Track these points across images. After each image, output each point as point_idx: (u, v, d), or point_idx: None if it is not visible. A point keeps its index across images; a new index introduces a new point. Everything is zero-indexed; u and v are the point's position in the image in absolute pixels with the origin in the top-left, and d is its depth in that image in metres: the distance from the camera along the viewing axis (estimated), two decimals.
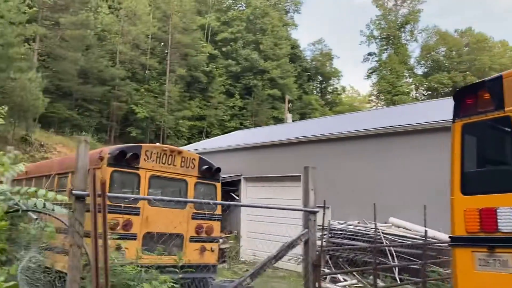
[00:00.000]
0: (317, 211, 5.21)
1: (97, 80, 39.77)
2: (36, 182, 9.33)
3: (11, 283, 4.52)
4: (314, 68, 62.21)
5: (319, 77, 64.49)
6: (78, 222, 3.62)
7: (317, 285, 5.29)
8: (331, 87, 65.73)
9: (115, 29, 43.24)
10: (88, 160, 3.79)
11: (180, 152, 8.45)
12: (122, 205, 7.01)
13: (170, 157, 8.19)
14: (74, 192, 3.60)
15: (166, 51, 46.85)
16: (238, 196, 16.79)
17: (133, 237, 7.27)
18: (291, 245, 5.07)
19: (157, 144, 11.89)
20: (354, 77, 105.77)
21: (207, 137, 40.59)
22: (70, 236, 3.63)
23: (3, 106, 27.39)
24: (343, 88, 66.73)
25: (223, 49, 50.49)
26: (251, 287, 4.99)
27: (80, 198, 3.63)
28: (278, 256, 4.92)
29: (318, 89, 64.21)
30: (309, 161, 14.11)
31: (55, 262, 6.08)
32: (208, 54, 47.96)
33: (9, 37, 26.43)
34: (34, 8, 32.54)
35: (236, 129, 39.70)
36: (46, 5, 35.91)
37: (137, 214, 7.42)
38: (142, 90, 42.73)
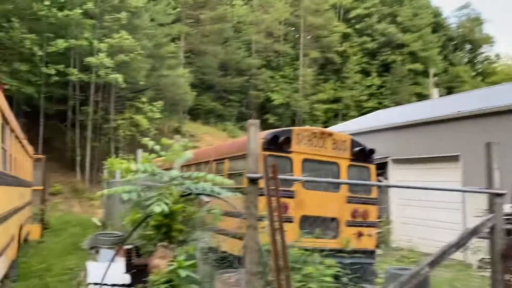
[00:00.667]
0: (505, 193, 4.51)
1: (235, 71, 41.91)
2: (196, 168, 10.01)
3: (191, 262, 4.84)
4: (461, 36, 56.18)
5: (468, 46, 58.07)
6: (253, 204, 3.61)
7: (506, 278, 4.62)
8: (483, 56, 58.77)
9: (249, 20, 44.80)
10: (258, 144, 3.77)
11: (330, 134, 8.22)
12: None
13: (321, 139, 8.00)
14: (248, 175, 3.60)
15: (297, 36, 46.97)
16: (386, 179, 15.99)
17: (290, 220, 7.29)
18: (474, 232, 4.49)
19: (308, 126, 11.87)
20: (511, 42, 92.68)
21: (343, 119, 39.73)
22: (247, 219, 3.65)
23: (159, 102, 30.52)
24: (498, 56, 59.21)
25: (357, 26, 48.68)
26: (428, 276, 4.57)
27: (253, 181, 3.62)
28: (459, 244, 4.39)
29: (467, 59, 57.89)
30: (468, 139, 12.75)
31: (222, 244, 6.37)
32: (341, 34, 46.74)
33: (159, 37, 29.27)
34: (178, 9, 35.42)
35: (374, 109, 38.02)
36: (188, 4, 38.83)
37: (292, 197, 7.43)
38: (277, 77, 43.68)
